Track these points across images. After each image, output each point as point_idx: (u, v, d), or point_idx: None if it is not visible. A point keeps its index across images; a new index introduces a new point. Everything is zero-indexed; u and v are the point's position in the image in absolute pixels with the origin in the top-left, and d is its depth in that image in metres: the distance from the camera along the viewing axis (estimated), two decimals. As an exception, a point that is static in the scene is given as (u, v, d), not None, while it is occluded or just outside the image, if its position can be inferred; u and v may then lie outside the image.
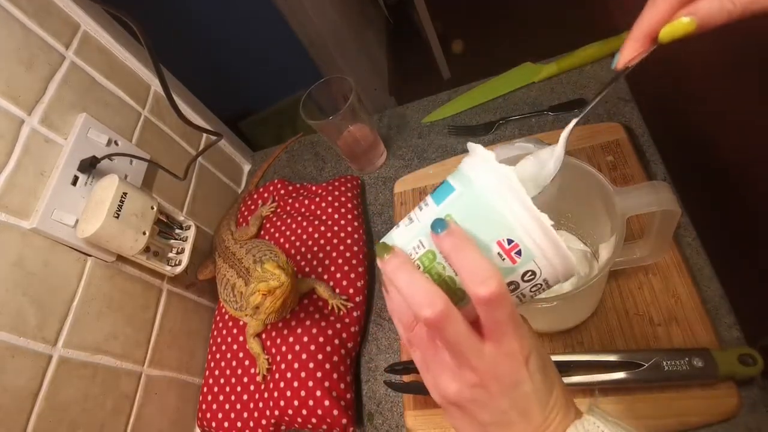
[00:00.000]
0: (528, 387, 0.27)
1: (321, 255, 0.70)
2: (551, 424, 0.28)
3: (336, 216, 0.73)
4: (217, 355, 0.70)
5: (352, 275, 0.67)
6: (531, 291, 0.27)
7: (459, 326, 0.26)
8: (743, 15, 0.26)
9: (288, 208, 0.79)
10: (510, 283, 0.26)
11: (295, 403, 0.58)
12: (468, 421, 0.29)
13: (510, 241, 0.24)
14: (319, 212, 0.75)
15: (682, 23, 0.27)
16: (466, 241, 0.25)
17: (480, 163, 0.26)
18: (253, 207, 0.83)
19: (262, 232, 0.78)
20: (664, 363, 0.45)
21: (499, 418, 0.28)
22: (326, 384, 0.58)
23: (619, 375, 0.46)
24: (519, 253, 0.24)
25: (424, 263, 0.26)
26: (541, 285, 0.26)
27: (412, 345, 0.31)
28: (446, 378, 0.28)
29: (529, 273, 0.25)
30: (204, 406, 0.67)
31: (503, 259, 0.25)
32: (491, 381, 0.27)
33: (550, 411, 0.28)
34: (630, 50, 0.30)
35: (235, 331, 0.70)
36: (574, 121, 0.34)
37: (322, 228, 0.72)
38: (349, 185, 0.78)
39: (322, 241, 0.71)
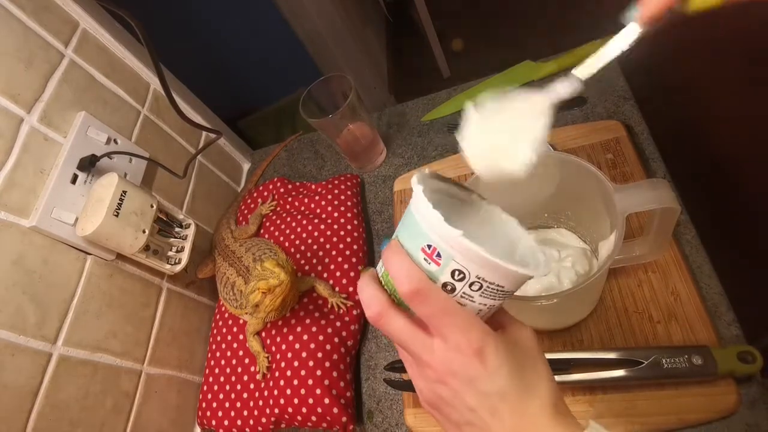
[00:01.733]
0: (487, 386, 0.27)
1: (321, 253, 0.70)
2: (534, 430, 0.27)
3: (336, 214, 0.73)
4: (217, 354, 0.70)
5: (352, 273, 0.67)
6: (477, 292, 0.27)
7: (396, 324, 0.28)
8: None
9: (288, 206, 0.79)
10: (444, 285, 0.27)
11: (295, 401, 0.58)
12: (446, 422, 0.30)
13: (429, 246, 0.27)
14: (318, 210, 0.75)
15: None
16: (396, 251, 0.28)
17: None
18: (252, 205, 0.83)
19: (261, 231, 0.78)
20: (664, 360, 0.45)
21: (469, 416, 0.28)
22: (326, 382, 0.58)
23: (619, 373, 0.46)
24: (439, 255, 0.26)
25: (384, 279, 0.29)
26: (486, 286, 0.27)
27: (400, 354, 0.32)
28: (414, 377, 0.30)
29: (457, 272, 0.26)
30: (204, 405, 0.67)
31: (429, 263, 0.27)
32: (448, 376, 0.27)
33: (529, 417, 0.27)
34: (655, 4, 0.27)
35: (235, 329, 0.70)
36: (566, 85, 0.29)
37: (322, 226, 0.72)
38: (348, 183, 0.78)
39: (321, 240, 0.71)
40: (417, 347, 0.28)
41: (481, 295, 0.27)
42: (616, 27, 0.28)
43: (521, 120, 0.29)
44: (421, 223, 0.27)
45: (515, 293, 0.30)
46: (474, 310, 0.28)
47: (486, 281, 0.26)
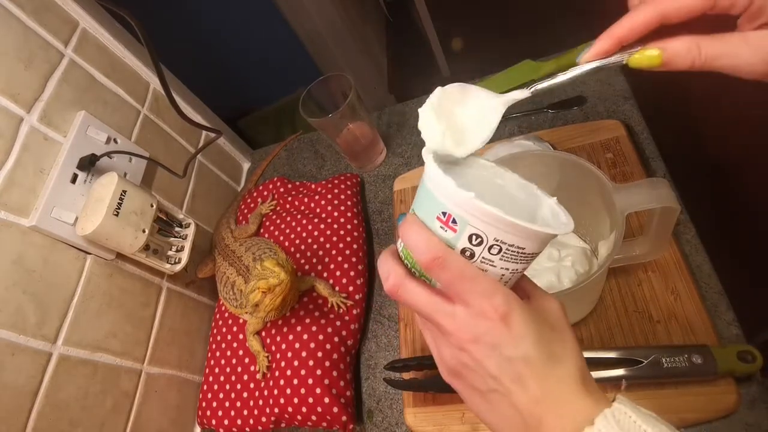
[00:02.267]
0: (511, 351, 0.26)
1: (321, 253, 0.70)
2: (558, 401, 0.27)
3: (335, 214, 0.73)
4: (217, 353, 0.70)
5: (352, 273, 0.67)
6: (497, 256, 0.27)
7: (414, 293, 0.28)
8: (703, 67, 0.27)
9: (287, 206, 0.79)
10: (463, 251, 0.27)
11: (295, 400, 0.58)
12: (469, 392, 0.30)
13: (444, 213, 0.27)
14: (318, 210, 0.75)
15: (650, 55, 0.28)
16: (412, 223, 0.28)
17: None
18: (252, 205, 0.83)
19: (261, 230, 0.78)
20: (664, 360, 0.45)
21: (492, 384, 0.28)
22: (326, 381, 0.58)
23: (619, 372, 0.46)
24: (455, 221, 0.26)
25: (404, 254, 0.30)
26: (506, 248, 0.27)
27: (422, 325, 0.32)
28: (437, 347, 0.30)
29: (475, 237, 0.26)
30: (204, 404, 0.67)
31: (446, 231, 0.27)
32: (470, 344, 0.27)
33: (554, 385, 0.27)
34: (600, 46, 0.30)
35: (234, 328, 0.70)
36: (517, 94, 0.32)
37: (322, 226, 0.72)
38: (348, 183, 0.78)
39: (321, 239, 0.71)
40: (438, 315, 0.28)
41: (501, 259, 0.27)
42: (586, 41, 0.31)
43: (476, 111, 0.31)
44: (434, 191, 0.27)
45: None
46: (496, 275, 0.28)
47: (505, 243, 0.26)
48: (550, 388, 0.27)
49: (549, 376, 0.27)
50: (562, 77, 0.32)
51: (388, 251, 0.31)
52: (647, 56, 0.28)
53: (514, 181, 0.33)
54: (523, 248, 0.27)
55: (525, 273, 0.31)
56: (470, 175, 0.33)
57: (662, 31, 0.28)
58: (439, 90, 0.30)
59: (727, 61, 0.27)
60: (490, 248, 0.26)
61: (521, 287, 0.31)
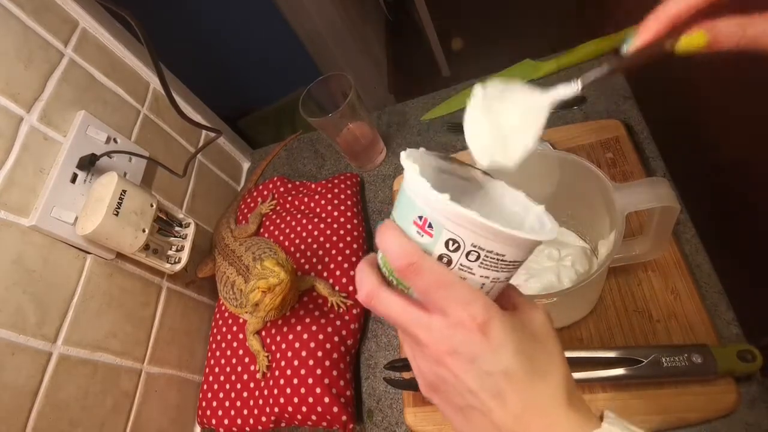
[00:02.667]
0: (490, 364, 0.25)
1: (320, 252, 0.70)
2: (540, 420, 0.25)
3: (335, 213, 0.73)
4: (217, 353, 0.70)
5: (352, 272, 0.67)
6: (475, 263, 0.26)
7: (387, 302, 0.27)
8: (747, 46, 0.27)
9: (287, 205, 0.79)
10: (440, 257, 0.26)
11: (295, 400, 0.58)
12: (447, 408, 0.28)
13: (420, 217, 0.26)
14: (318, 210, 0.75)
15: (697, 37, 0.27)
16: (388, 227, 0.27)
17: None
18: (252, 204, 0.83)
19: (261, 230, 0.78)
20: (663, 359, 0.45)
21: (470, 400, 0.26)
22: (326, 381, 0.58)
23: (619, 371, 0.46)
24: (431, 226, 0.25)
25: (382, 261, 0.29)
26: (484, 255, 0.25)
27: (401, 338, 0.31)
28: (414, 360, 0.29)
29: (451, 242, 0.25)
30: (204, 404, 0.67)
31: (422, 236, 0.26)
32: (447, 356, 0.26)
33: (536, 400, 0.25)
34: (651, 29, 0.28)
35: (234, 328, 0.70)
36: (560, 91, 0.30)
37: (322, 225, 0.72)
38: (348, 183, 0.78)
39: (321, 239, 0.71)
40: (413, 326, 0.26)
41: (480, 266, 0.26)
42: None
43: (520, 113, 0.29)
44: (410, 194, 0.26)
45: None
46: (476, 283, 0.26)
47: (483, 249, 0.25)
48: (532, 403, 0.25)
49: (531, 390, 0.25)
50: (609, 67, 0.30)
51: (365, 261, 0.29)
52: (694, 39, 0.27)
53: (503, 190, 0.32)
54: (503, 255, 0.26)
55: (512, 282, 0.29)
56: (453, 182, 0.32)
57: (702, 16, 0.28)
58: (479, 88, 0.29)
59: None
60: (467, 254, 0.25)
61: (507, 297, 0.30)
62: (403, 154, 0.28)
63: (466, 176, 0.32)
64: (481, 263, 0.26)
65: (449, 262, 0.26)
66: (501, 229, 0.24)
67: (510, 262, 0.26)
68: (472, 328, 0.25)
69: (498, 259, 0.26)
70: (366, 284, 0.27)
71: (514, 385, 0.25)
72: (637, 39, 0.29)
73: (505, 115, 0.29)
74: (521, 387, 0.25)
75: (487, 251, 0.25)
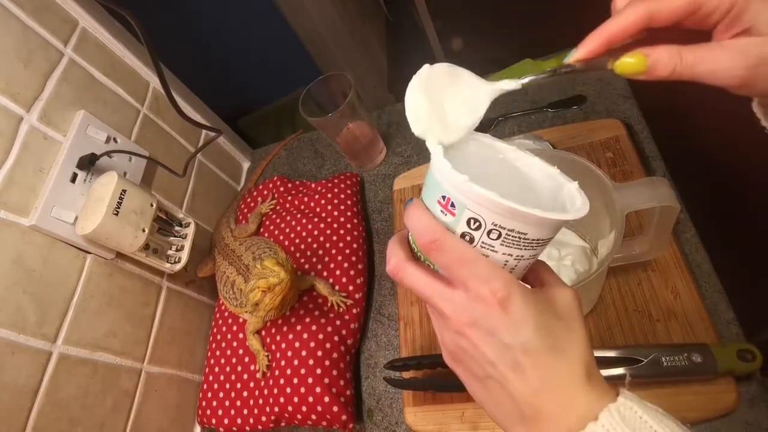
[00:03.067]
0: (509, 337, 0.26)
1: (320, 252, 0.70)
2: (558, 392, 0.26)
3: (335, 213, 0.73)
4: (217, 352, 0.70)
5: (352, 272, 0.67)
6: (497, 241, 0.26)
7: (413, 276, 0.28)
8: (683, 74, 0.28)
9: (287, 205, 0.79)
10: (463, 235, 0.27)
11: (295, 399, 0.58)
12: (468, 378, 0.30)
13: (444, 197, 0.27)
14: (318, 209, 0.75)
15: (636, 60, 0.28)
16: (415, 207, 0.28)
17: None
18: (252, 204, 0.83)
19: (261, 230, 0.78)
20: (663, 358, 0.45)
21: (489, 370, 0.27)
22: (326, 380, 0.58)
23: (618, 370, 0.46)
24: (453, 205, 0.26)
25: (411, 239, 0.30)
26: (505, 234, 0.26)
27: (429, 311, 0.32)
28: (439, 331, 0.30)
29: (473, 221, 0.26)
30: (204, 403, 0.67)
31: (445, 215, 0.27)
32: (468, 328, 0.27)
33: (554, 376, 0.26)
34: (589, 46, 0.30)
35: (234, 328, 0.70)
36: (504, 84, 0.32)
37: (322, 225, 0.72)
38: (348, 182, 0.78)
39: (321, 238, 0.71)
40: (436, 298, 0.28)
41: (503, 245, 0.26)
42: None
43: (461, 98, 0.30)
44: (435, 174, 0.27)
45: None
46: (499, 261, 0.27)
47: (504, 228, 0.26)
48: (549, 378, 0.26)
49: (549, 366, 0.26)
50: (548, 74, 0.33)
51: (397, 236, 0.31)
52: (632, 62, 0.28)
53: (536, 166, 0.31)
54: (525, 233, 0.26)
55: (542, 260, 0.30)
56: (484, 159, 0.32)
57: (644, 40, 0.29)
58: (426, 67, 0.30)
59: (707, 66, 0.28)
60: (489, 233, 0.26)
61: (536, 274, 0.31)
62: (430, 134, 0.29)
63: (500, 150, 0.32)
64: (503, 241, 0.26)
65: (471, 240, 0.27)
66: (519, 209, 0.24)
67: (533, 240, 0.27)
68: (492, 302, 0.26)
69: (520, 238, 0.26)
70: (394, 258, 0.29)
71: (533, 359, 0.26)
72: (577, 53, 0.30)
73: (447, 97, 0.30)
74: (540, 362, 0.26)
75: (509, 230, 0.26)
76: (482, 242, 0.26)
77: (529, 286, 0.28)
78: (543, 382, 0.26)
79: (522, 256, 0.27)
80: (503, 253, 0.27)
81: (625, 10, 0.28)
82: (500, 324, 0.26)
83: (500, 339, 0.26)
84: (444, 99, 0.30)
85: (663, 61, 0.28)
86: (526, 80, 0.32)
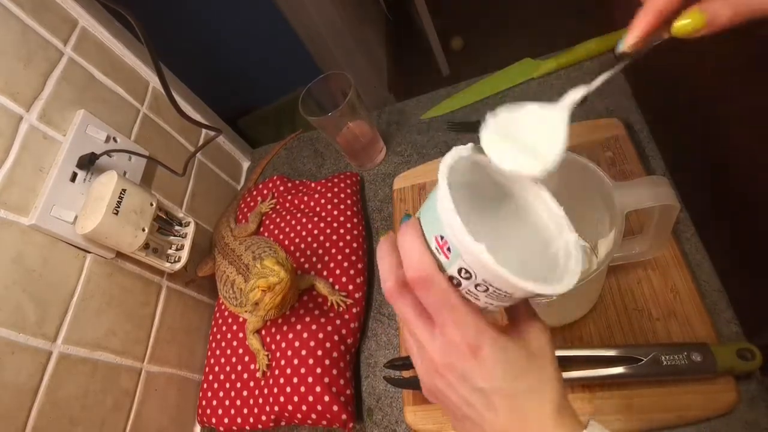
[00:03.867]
0: (481, 382, 0.27)
1: (320, 251, 0.70)
2: (533, 430, 0.27)
3: (335, 212, 0.73)
4: (217, 352, 0.70)
5: (352, 272, 0.67)
6: (483, 293, 0.27)
7: (406, 307, 0.28)
8: (743, 16, 0.26)
9: (287, 204, 0.79)
10: (451, 278, 0.27)
11: (295, 398, 0.58)
12: (446, 410, 0.31)
13: (442, 238, 0.26)
14: (318, 209, 0.75)
15: (694, 18, 0.27)
16: (412, 230, 0.28)
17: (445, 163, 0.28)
18: (252, 204, 0.83)
19: (261, 229, 0.78)
20: (663, 358, 0.45)
21: (465, 410, 0.28)
22: (326, 380, 0.58)
23: (618, 370, 0.46)
24: (449, 250, 0.26)
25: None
26: (492, 290, 0.26)
27: (406, 332, 0.32)
28: (415, 361, 0.31)
29: (464, 271, 0.26)
30: (204, 403, 0.67)
31: (440, 254, 0.27)
32: (445, 368, 0.28)
33: (526, 415, 0.27)
34: (641, 25, 0.28)
35: (234, 327, 0.70)
36: (577, 96, 0.30)
37: (322, 224, 0.72)
38: (348, 182, 0.78)
39: (321, 238, 0.71)
40: (421, 334, 0.28)
41: (487, 297, 0.27)
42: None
43: (540, 129, 0.29)
44: (439, 212, 0.26)
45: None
46: (479, 306, 0.28)
47: (492, 286, 0.26)
48: (522, 417, 0.27)
49: (521, 406, 0.27)
50: (617, 67, 0.31)
51: (388, 243, 0.30)
52: (690, 21, 0.27)
53: (543, 203, 0.31)
54: (512, 294, 0.26)
55: None
56: (489, 179, 0.31)
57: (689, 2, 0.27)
58: (490, 117, 0.29)
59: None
60: (476, 285, 0.26)
61: (510, 311, 0.31)
62: (443, 165, 0.27)
63: (510, 178, 0.31)
64: (488, 295, 0.27)
65: (458, 284, 0.27)
66: (513, 281, 0.24)
67: (517, 298, 0.27)
68: (464, 350, 0.27)
69: (505, 295, 0.27)
70: (388, 282, 0.29)
71: (507, 401, 0.27)
72: (630, 37, 0.29)
73: (525, 134, 0.29)
74: (513, 403, 0.27)
75: (496, 288, 0.26)
76: (467, 290, 0.27)
77: (499, 334, 0.28)
78: (516, 421, 0.27)
79: (502, 305, 0.28)
80: (485, 302, 0.27)
81: None
82: (472, 370, 0.27)
83: (474, 384, 0.27)
84: (524, 136, 0.29)
85: (720, 9, 0.26)
86: (596, 83, 0.31)
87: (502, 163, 0.28)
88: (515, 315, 0.31)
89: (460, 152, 0.28)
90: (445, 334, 0.27)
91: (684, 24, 0.27)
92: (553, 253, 0.30)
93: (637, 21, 0.28)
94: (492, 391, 0.27)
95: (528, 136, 0.29)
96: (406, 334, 0.31)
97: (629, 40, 0.29)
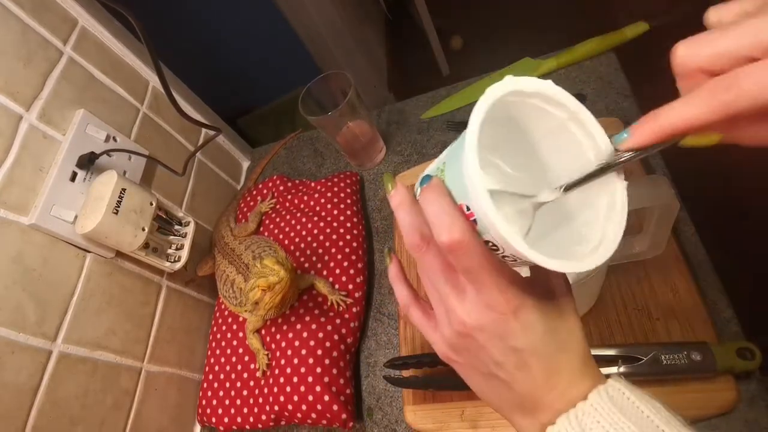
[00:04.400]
0: (520, 342, 0.27)
1: (320, 251, 0.70)
2: (559, 384, 0.27)
3: (335, 212, 0.73)
4: (217, 351, 0.70)
5: (352, 271, 0.67)
6: (511, 262, 0.26)
7: (434, 263, 0.28)
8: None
9: (287, 204, 0.79)
10: (486, 242, 0.26)
11: (295, 398, 0.58)
12: (467, 369, 0.30)
13: (468, 209, 0.25)
14: (318, 208, 0.75)
15: (709, 140, 0.25)
16: (438, 193, 0.26)
17: (477, 113, 0.25)
18: (252, 203, 0.83)
19: (261, 229, 0.78)
20: (663, 357, 0.45)
21: (493, 369, 0.28)
22: (326, 379, 0.58)
23: (618, 369, 0.46)
24: (476, 221, 0.25)
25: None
26: (521, 261, 0.26)
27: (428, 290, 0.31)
28: (439, 315, 0.30)
29: (491, 244, 0.25)
30: (204, 402, 0.67)
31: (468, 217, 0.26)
32: (475, 330, 0.27)
33: (557, 371, 0.27)
34: (643, 138, 0.25)
35: (234, 327, 0.70)
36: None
37: (322, 224, 0.72)
38: (348, 181, 0.78)
39: (321, 237, 0.71)
40: (449, 294, 0.28)
41: (513, 264, 0.27)
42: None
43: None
44: (468, 186, 0.24)
45: None
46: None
47: (520, 259, 0.25)
48: (552, 375, 0.27)
49: (554, 364, 0.27)
50: (598, 176, 0.28)
51: (405, 201, 0.28)
52: (707, 141, 0.25)
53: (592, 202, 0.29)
54: (539, 265, 0.25)
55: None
56: (537, 119, 0.28)
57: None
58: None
59: None
60: (504, 257, 0.26)
61: (545, 276, 0.31)
62: (472, 125, 0.24)
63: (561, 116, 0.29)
64: (515, 264, 0.27)
65: (495, 250, 0.26)
66: (545, 262, 0.23)
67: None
68: (506, 310, 0.26)
69: (534, 265, 0.25)
70: (412, 236, 0.27)
71: (540, 359, 0.27)
72: (630, 141, 0.26)
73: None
74: (546, 361, 0.27)
75: (524, 260, 0.25)
76: (504, 256, 0.26)
77: (538, 295, 0.28)
78: (547, 379, 0.27)
79: (529, 268, 0.28)
80: (512, 266, 0.27)
81: (699, 94, 0.21)
82: (510, 330, 0.27)
83: (508, 343, 0.27)
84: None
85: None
86: (565, 187, 0.28)
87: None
88: (543, 272, 0.30)
89: (494, 94, 0.25)
90: (483, 294, 0.26)
91: (697, 141, 0.25)
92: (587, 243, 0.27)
93: (640, 129, 0.25)
94: (529, 352, 0.27)
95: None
96: (428, 288, 0.30)
97: (629, 143, 0.26)
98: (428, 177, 0.27)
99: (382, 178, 0.25)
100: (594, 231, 0.27)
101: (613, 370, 0.46)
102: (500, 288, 0.26)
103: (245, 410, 0.64)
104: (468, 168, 0.24)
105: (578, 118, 0.28)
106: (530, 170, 0.31)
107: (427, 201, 0.26)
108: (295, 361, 0.60)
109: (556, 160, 0.30)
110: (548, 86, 0.27)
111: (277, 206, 0.80)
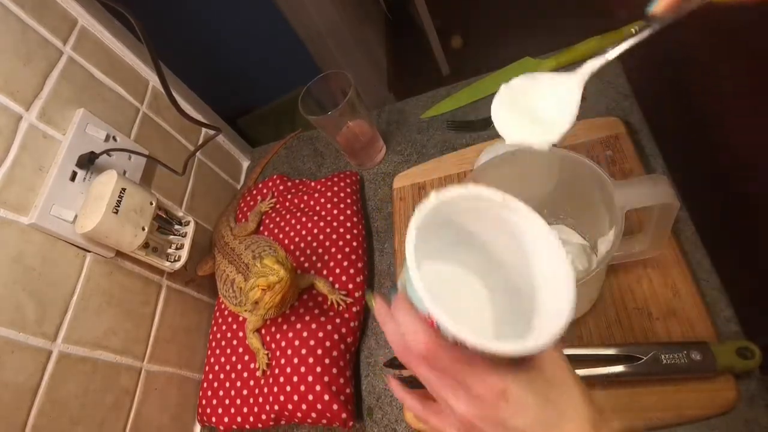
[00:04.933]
0: (519, 422, 0.27)
1: (320, 251, 0.70)
2: None
3: (335, 212, 0.73)
4: (217, 351, 0.70)
5: (352, 271, 0.67)
6: (485, 353, 0.27)
7: (428, 373, 0.29)
8: None
9: (287, 203, 0.79)
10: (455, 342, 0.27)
11: (295, 397, 0.58)
12: None
13: (428, 316, 0.26)
14: (318, 208, 0.75)
15: None
16: (399, 308, 0.28)
17: (409, 238, 0.28)
18: (252, 203, 0.83)
19: (261, 228, 0.78)
20: (663, 356, 0.45)
21: None
22: (326, 379, 0.58)
23: (618, 368, 0.46)
24: (439, 327, 0.26)
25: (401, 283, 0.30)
26: (488, 354, 0.26)
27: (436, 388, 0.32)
28: (444, 415, 0.31)
29: (456, 340, 0.26)
30: (204, 402, 0.67)
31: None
32: (476, 420, 0.28)
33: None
34: None
35: (234, 326, 0.70)
36: (592, 64, 0.29)
37: (322, 224, 0.72)
38: (348, 181, 0.78)
39: (321, 237, 0.71)
40: (446, 397, 0.29)
41: (483, 355, 0.27)
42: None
43: (551, 98, 0.29)
44: (420, 299, 0.26)
45: None
46: None
47: (487, 351, 0.26)
48: None
49: (560, 429, 0.28)
50: (640, 35, 0.28)
51: (382, 310, 0.31)
52: None
53: (545, 240, 0.30)
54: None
55: None
56: (488, 214, 0.30)
57: None
58: (503, 87, 0.29)
59: None
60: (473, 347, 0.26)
61: None
62: (408, 246, 0.27)
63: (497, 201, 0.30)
64: (483, 353, 0.27)
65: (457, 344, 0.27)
66: (505, 352, 0.25)
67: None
68: (492, 398, 0.27)
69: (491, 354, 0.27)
70: (397, 349, 0.29)
71: (542, 426, 0.27)
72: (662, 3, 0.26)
73: (536, 104, 0.29)
74: (549, 427, 0.27)
75: (490, 353, 0.26)
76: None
77: (519, 370, 0.28)
78: None
79: None
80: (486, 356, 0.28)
81: None
82: (505, 413, 0.27)
83: (509, 425, 0.27)
84: (534, 106, 0.29)
85: None
86: (612, 53, 0.29)
87: (509, 136, 0.28)
88: None
89: (424, 210, 0.28)
90: (470, 389, 0.28)
91: None
92: (543, 304, 0.29)
93: None
94: (528, 427, 0.27)
95: (539, 105, 0.29)
96: (436, 388, 0.30)
97: (662, 4, 0.27)
98: (394, 289, 0.29)
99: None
100: (547, 302, 0.29)
101: (613, 370, 0.46)
102: (481, 377, 0.27)
103: (245, 410, 0.64)
104: (414, 283, 0.26)
105: (509, 207, 0.30)
106: (486, 255, 0.33)
107: (396, 313, 0.29)
108: (295, 360, 0.60)
109: (504, 243, 0.32)
110: (468, 189, 0.29)
111: (277, 206, 0.80)
